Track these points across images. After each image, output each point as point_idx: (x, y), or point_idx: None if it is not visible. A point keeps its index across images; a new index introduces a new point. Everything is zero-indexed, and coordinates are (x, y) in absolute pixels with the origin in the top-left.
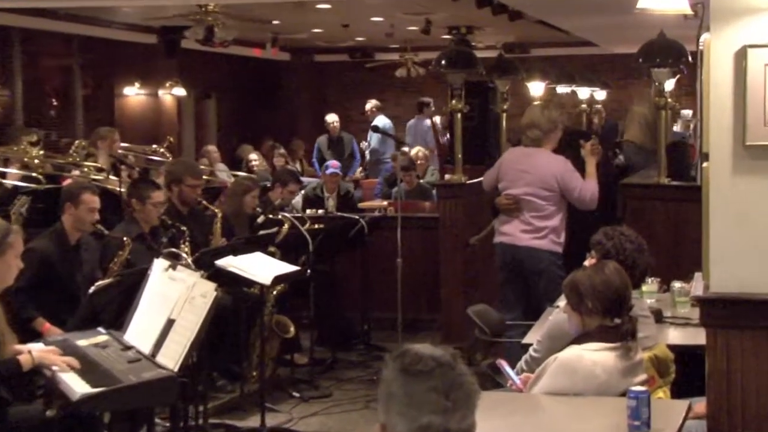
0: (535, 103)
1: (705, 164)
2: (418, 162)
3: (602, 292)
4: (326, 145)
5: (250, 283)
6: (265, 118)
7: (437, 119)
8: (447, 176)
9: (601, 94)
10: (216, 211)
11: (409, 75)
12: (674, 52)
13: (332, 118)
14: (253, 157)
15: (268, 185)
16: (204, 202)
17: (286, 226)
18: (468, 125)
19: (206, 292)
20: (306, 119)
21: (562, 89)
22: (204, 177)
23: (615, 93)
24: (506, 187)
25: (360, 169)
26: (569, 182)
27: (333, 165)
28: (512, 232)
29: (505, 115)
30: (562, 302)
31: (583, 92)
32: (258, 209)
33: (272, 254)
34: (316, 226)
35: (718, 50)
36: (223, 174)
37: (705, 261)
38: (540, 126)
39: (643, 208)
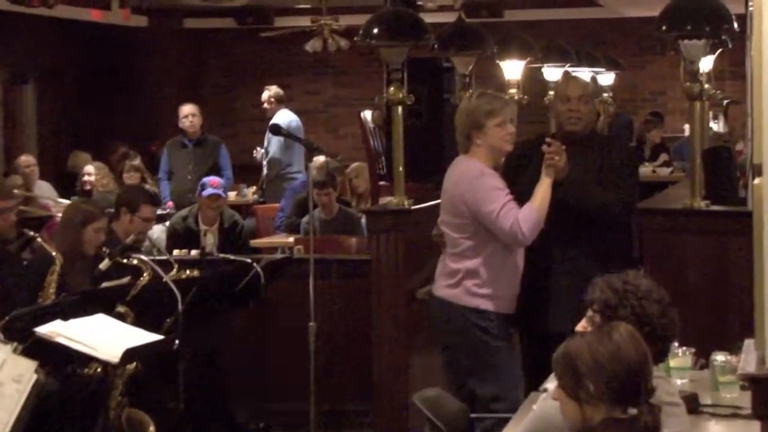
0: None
1: (757, 180)
2: None
3: (610, 370)
4: (178, 154)
5: (90, 360)
6: (113, 113)
7: (367, 114)
8: (383, 199)
9: (607, 78)
10: (53, 253)
11: (326, 49)
12: (713, 17)
13: (188, 111)
14: (90, 170)
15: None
16: (36, 237)
17: (146, 275)
18: (413, 123)
19: (21, 374)
20: (174, 114)
21: (550, 70)
22: (16, 201)
23: (628, 75)
24: None
25: (253, 189)
26: (481, 204)
27: (212, 183)
28: (436, 275)
29: (467, 108)
30: (551, 384)
31: (582, 75)
32: (104, 249)
33: (122, 317)
34: (189, 273)
35: None
36: (47, 198)
37: (759, 323)
38: (457, 126)
39: (669, 244)
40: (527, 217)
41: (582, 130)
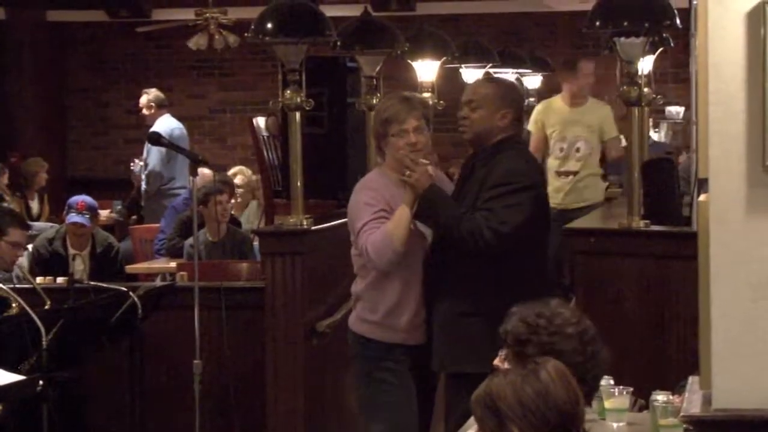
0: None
1: (703, 197)
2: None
3: (537, 413)
4: None
5: None
6: None
7: (260, 121)
8: (278, 218)
9: (533, 80)
10: None
11: (212, 47)
12: (653, 12)
13: None
14: None
15: None
16: None
17: (15, 306)
18: (313, 132)
19: None
20: (37, 118)
21: (469, 71)
22: None
23: (558, 78)
24: None
25: (119, 205)
26: (354, 220)
27: (79, 206)
28: None
29: (374, 114)
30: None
31: (505, 77)
32: None
33: None
34: (51, 302)
35: (720, 9)
36: None
37: (704, 358)
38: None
39: (603, 269)
40: (374, 238)
41: (473, 139)
